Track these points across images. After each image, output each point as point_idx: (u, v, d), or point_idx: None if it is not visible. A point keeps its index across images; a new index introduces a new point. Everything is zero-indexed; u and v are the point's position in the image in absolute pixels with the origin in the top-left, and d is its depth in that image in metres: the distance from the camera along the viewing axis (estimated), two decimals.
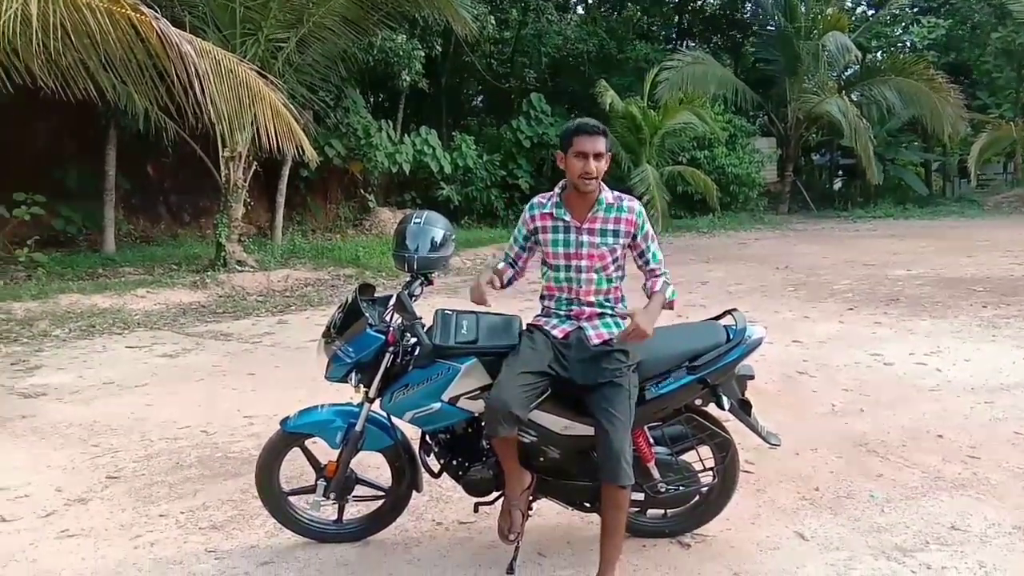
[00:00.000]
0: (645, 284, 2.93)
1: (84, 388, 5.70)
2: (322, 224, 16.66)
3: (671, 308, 2.93)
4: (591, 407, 2.70)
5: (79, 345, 7.15)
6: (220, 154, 10.65)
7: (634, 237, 2.89)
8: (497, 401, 2.60)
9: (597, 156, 2.77)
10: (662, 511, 3.15)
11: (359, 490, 3.15)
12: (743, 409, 3.05)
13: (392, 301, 2.99)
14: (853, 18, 23.77)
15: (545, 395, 2.74)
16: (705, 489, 3.08)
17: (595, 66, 21.60)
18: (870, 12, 26.45)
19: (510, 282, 3.03)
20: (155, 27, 7.22)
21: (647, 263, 2.93)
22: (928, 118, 20.09)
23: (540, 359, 2.74)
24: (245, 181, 11.00)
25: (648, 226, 2.92)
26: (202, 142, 11.01)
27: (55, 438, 4.59)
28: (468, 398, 2.83)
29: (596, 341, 2.81)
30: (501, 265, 3.01)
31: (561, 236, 2.89)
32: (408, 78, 15.24)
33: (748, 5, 26.50)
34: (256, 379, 5.90)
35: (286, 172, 13.73)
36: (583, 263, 2.86)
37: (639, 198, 16.31)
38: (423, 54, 15.15)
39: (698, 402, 3.02)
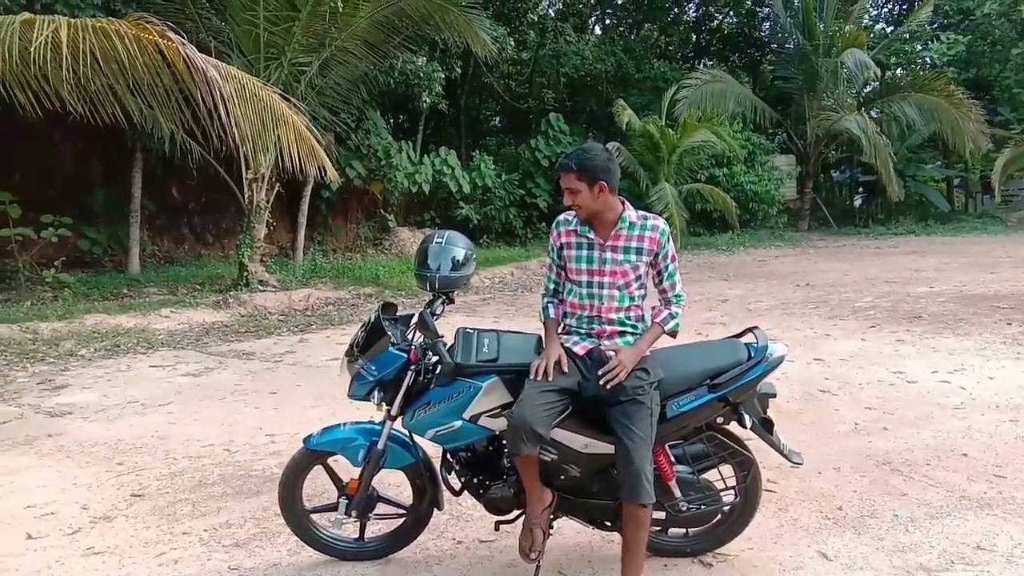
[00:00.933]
0: (654, 307, 2.98)
1: (109, 407, 5.77)
2: (343, 244, 16.82)
3: (673, 337, 2.99)
4: (612, 424, 2.70)
5: (104, 364, 7.25)
6: (243, 176, 10.82)
7: (656, 256, 2.91)
8: (519, 419, 2.61)
9: (571, 191, 2.83)
10: (683, 530, 3.14)
11: (381, 508, 3.16)
12: (765, 427, 3.04)
13: (414, 320, 3.03)
14: (872, 35, 23.72)
15: (566, 413, 2.75)
16: (727, 508, 3.07)
17: (613, 85, 21.71)
18: (889, 29, 26.40)
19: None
20: (182, 52, 7.39)
21: (661, 282, 2.98)
22: (949, 134, 19.94)
23: (562, 377, 2.75)
24: (268, 202, 11.15)
25: (671, 246, 2.94)
26: (226, 164, 11.18)
27: (80, 456, 4.66)
28: (489, 416, 2.85)
29: (611, 353, 2.83)
30: (551, 314, 3.02)
31: (585, 252, 2.92)
32: (428, 99, 15.39)
33: (766, 24, 26.55)
34: (278, 398, 5.95)
35: (308, 193, 13.89)
36: (606, 279, 2.88)
37: (658, 215, 16.19)
38: (443, 76, 15.31)
39: (719, 420, 3.02)
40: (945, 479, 3.90)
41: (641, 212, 2.96)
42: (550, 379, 2.72)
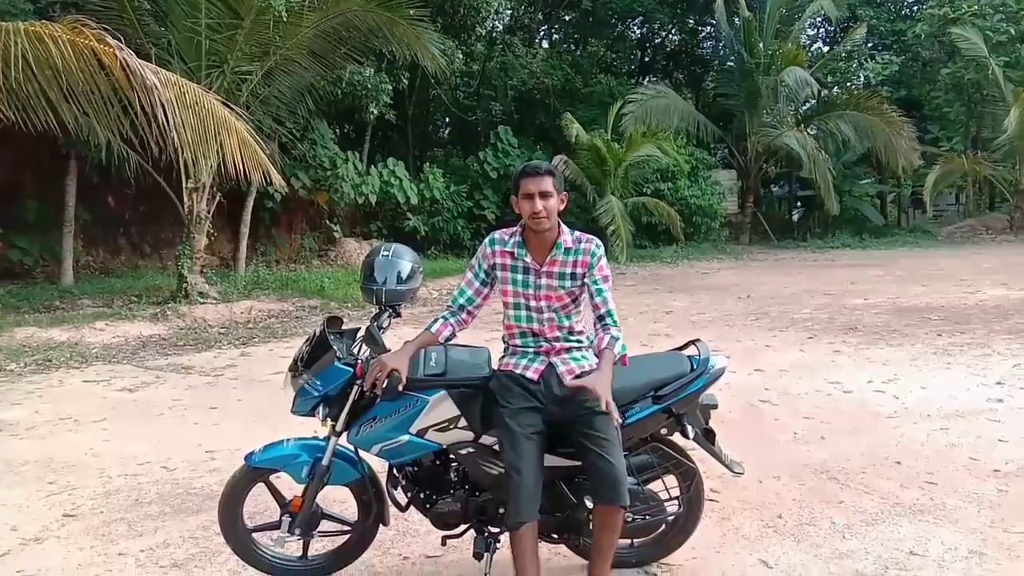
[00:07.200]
0: (595, 330, 2.87)
1: (40, 424, 5.56)
2: (286, 255, 16.57)
3: (623, 364, 2.80)
4: (577, 439, 2.68)
5: (35, 380, 6.99)
6: (183, 185, 10.58)
7: (585, 274, 2.86)
8: (517, 474, 2.58)
9: (544, 195, 2.75)
10: (629, 540, 3.16)
11: (325, 525, 3.10)
12: (707, 438, 3.09)
13: (361, 333, 2.99)
14: (810, 54, 24.52)
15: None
16: (671, 518, 3.10)
17: (561, 99, 21.94)
18: (826, 49, 27.30)
19: (452, 336, 2.93)
20: (119, 57, 7.20)
21: (593, 297, 2.87)
22: (883, 151, 20.72)
23: (530, 417, 2.72)
24: (208, 212, 10.92)
25: (603, 264, 2.87)
26: (165, 173, 10.93)
27: (9, 476, 4.47)
28: (436, 430, 2.83)
29: (569, 377, 2.80)
30: (435, 328, 2.91)
31: (520, 276, 2.88)
32: (375, 110, 15.32)
33: (708, 42, 27.20)
34: (218, 413, 5.81)
35: (250, 203, 13.65)
36: (543, 303, 2.85)
37: (604, 228, 16.08)
38: (390, 87, 15.26)
39: (663, 431, 3.06)
40: (880, 486, 4.02)
41: (576, 234, 2.91)
42: (378, 392, 2.73)
